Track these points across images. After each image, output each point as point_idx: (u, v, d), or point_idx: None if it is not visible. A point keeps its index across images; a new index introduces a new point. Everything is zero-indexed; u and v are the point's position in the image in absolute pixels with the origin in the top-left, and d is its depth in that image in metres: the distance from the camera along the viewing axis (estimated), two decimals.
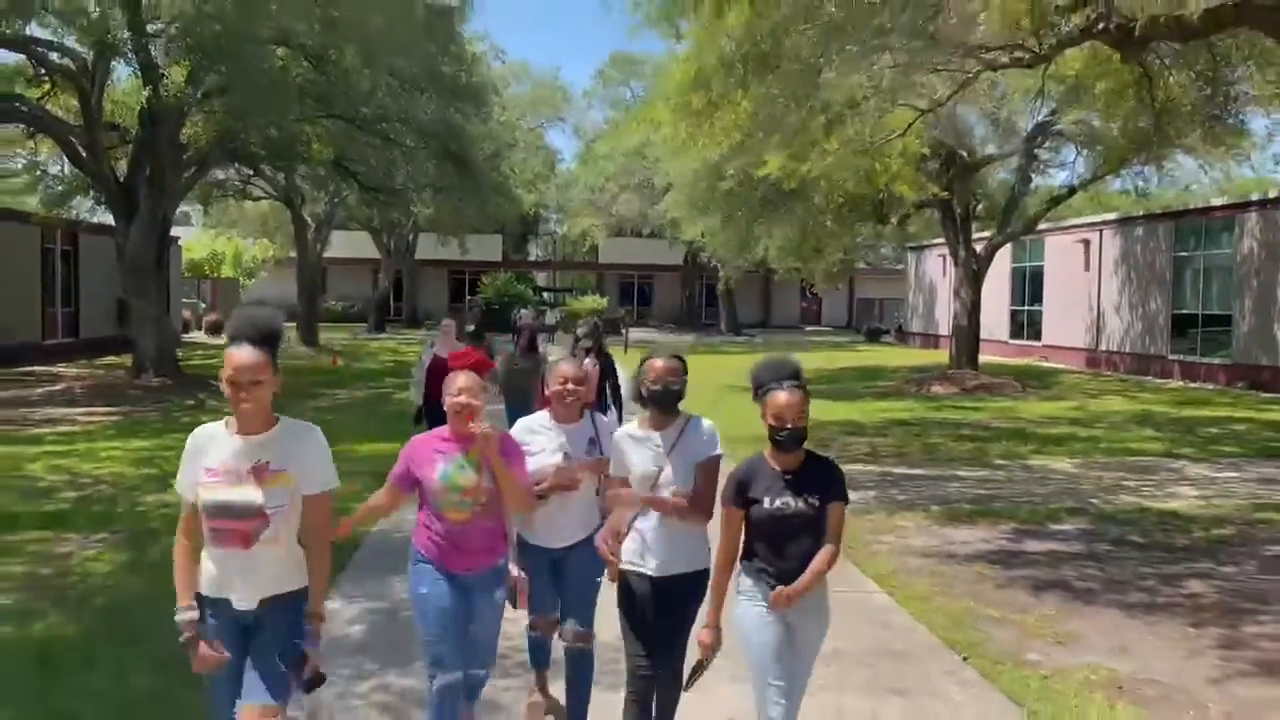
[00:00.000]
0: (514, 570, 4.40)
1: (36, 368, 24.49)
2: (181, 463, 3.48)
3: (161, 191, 19.63)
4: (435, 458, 4.10)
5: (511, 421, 9.14)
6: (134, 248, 19.32)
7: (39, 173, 25.52)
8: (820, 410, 17.69)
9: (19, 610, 6.35)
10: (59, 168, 26.18)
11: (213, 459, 3.39)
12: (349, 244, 46.41)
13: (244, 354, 3.31)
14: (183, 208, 36.50)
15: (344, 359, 28.24)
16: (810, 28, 11.86)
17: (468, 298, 46.55)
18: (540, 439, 4.56)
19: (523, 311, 34.79)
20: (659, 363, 4.23)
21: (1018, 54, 14.44)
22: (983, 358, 26.61)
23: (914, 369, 25.66)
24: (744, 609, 3.89)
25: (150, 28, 16.96)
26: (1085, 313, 28.34)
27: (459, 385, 4.08)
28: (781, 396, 3.78)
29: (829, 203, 22.74)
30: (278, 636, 3.42)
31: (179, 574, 3.45)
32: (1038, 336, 31.24)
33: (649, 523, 4.18)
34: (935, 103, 16.52)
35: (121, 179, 19.99)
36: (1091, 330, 28.20)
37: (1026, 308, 32.00)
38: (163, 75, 16.86)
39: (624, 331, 36.22)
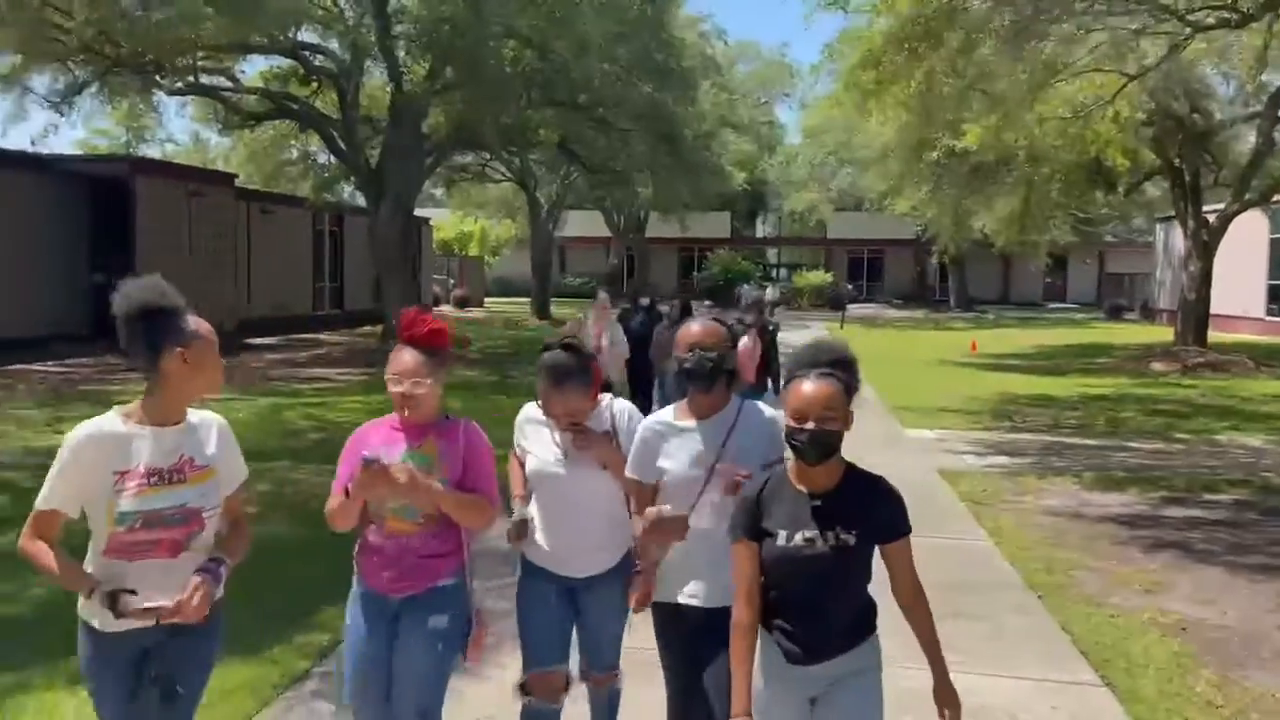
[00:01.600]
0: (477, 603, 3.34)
1: (306, 335, 27.86)
2: (65, 468, 2.77)
3: (406, 177, 21.90)
4: (379, 451, 3.17)
5: (662, 389, 9.72)
6: (382, 228, 21.71)
7: (310, 162, 28.91)
8: (1016, 384, 17.74)
9: (261, 516, 7.96)
10: (326, 157, 29.48)
11: (127, 460, 2.77)
12: (587, 223, 48.88)
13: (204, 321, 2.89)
14: (433, 191, 39.92)
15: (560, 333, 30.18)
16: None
17: (694, 274, 47.90)
18: (536, 433, 3.57)
19: (745, 287, 35.70)
20: (694, 327, 3.30)
21: (1223, 14, 13.91)
22: (1236, 336, 25.10)
23: (1142, 346, 24.56)
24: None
25: (396, 29, 19.01)
26: None
27: (396, 368, 3.19)
28: (804, 386, 2.80)
29: (1052, 172, 22.20)
30: (192, 667, 2.91)
31: (57, 563, 2.74)
32: None
33: (696, 542, 3.25)
34: (1144, 68, 16.03)
35: (374, 166, 22.45)
36: None
37: None
38: (403, 73, 18.91)
39: (843, 307, 36.41)
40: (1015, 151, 18.02)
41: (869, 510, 2.85)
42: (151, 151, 53.80)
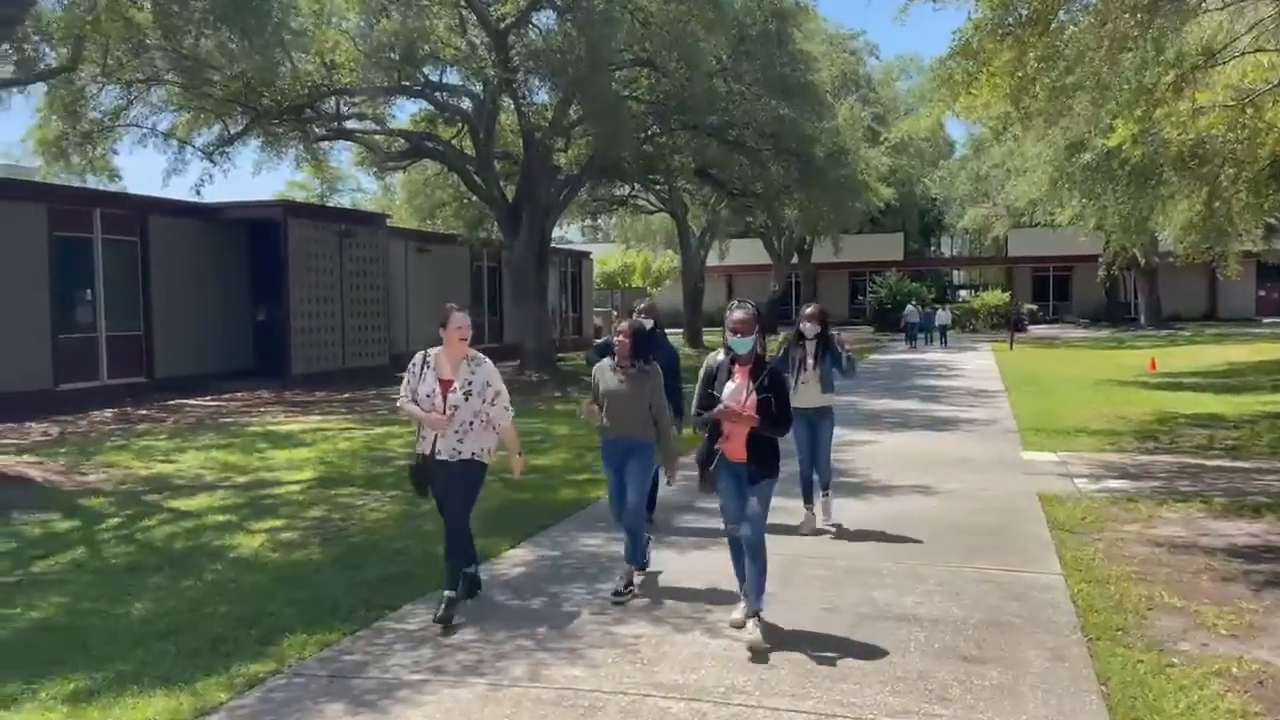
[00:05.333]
0: None
1: None
2: None
3: (540, 208, 22.06)
4: None
5: (616, 478, 6.32)
6: (517, 259, 21.94)
7: (463, 200, 29.72)
8: (1183, 403, 16.08)
9: (296, 542, 7.88)
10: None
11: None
12: (752, 251, 48.27)
13: None
14: (590, 223, 40.40)
15: None
16: None
17: (861, 297, 46.50)
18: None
19: (908, 308, 34.38)
20: None
21: None
22: None
23: None
24: None
25: (515, 62, 19.21)
26: None
27: None
28: None
29: (1237, 172, 20.10)
30: None
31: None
32: None
33: None
34: None
35: (510, 201, 22.73)
36: None
37: None
38: (520, 105, 19.11)
39: (1012, 328, 34.26)
40: (1171, 148, 16.29)
41: None
42: (342, 200, 57.07)
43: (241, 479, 10.77)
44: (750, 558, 5.39)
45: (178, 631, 5.69)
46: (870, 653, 5.09)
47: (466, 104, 22.08)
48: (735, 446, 5.50)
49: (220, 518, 8.78)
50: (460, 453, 5.80)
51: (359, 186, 61.37)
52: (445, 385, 5.80)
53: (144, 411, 17.88)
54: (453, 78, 22.22)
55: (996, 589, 6.17)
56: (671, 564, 6.90)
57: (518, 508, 8.73)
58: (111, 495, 9.92)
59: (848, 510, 8.42)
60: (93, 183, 21.12)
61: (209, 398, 20.21)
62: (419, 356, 5.99)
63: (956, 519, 8.18)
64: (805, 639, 5.32)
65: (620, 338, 6.34)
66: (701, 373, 5.71)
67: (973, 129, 37.37)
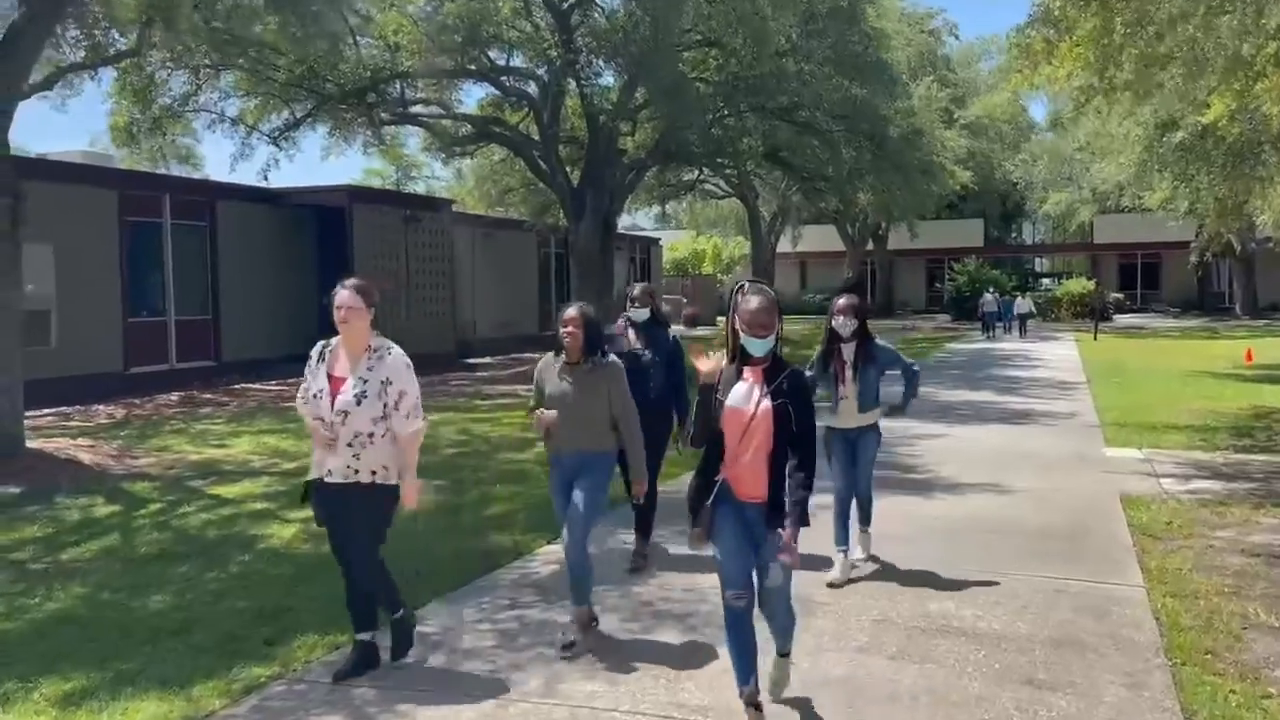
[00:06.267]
0: None
1: (531, 354, 28.34)
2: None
3: (604, 193, 21.66)
4: None
5: (565, 502, 5.15)
6: (581, 245, 21.57)
7: (530, 186, 29.49)
8: (1274, 397, 15.00)
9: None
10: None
11: None
12: (825, 237, 47.32)
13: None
14: (658, 209, 39.97)
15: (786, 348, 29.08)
16: None
17: (939, 285, 45.32)
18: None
19: (985, 296, 33.16)
20: None
21: None
22: None
23: None
24: None
25: (579, 43, 18.83)
26: None
27: None
28: None
29: None
30: None
31: None
32: None
33: None
34: None
35: (574, 186, 22.38)
36: None
37: None
38: (583, 87, 18.72)
39: (1095, 317, 32.97)
40: (1272, 125, 15.25)
41: None
42: (416, 186, 57.43)
43: (289, 465, 10.59)
44: (773, 626, 4.21)
45: (190, 627, 5.44)
46: (923, 673, 4.59)
47: (531, 88, 21.78)
48: (747, 475, 3.98)
49: (258, 505, 8.58)
50: (356, 472, 4.52)
51: (433, 173, 61.79)
52: (336, 384, 4.55)
53: (208, 395, 17.99)
54: (517, 61, 21.95)
55: (1069, 601, 5.61)
56: (705, 571, 6.45)
57: None
58: (157, 480, 9.82)
59: (909, 509, 7.88)
60: (176, 169, 21.32)
61: (274, 382, 20.29)
62: (318, 347, 4.71)
63: (1028, 521, 7.59)
64: (852, 655, 4.85)
65: (569, 329, 5.13)
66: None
67: (1055, 104, 35.98)
